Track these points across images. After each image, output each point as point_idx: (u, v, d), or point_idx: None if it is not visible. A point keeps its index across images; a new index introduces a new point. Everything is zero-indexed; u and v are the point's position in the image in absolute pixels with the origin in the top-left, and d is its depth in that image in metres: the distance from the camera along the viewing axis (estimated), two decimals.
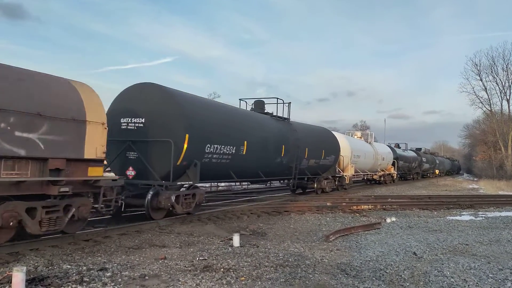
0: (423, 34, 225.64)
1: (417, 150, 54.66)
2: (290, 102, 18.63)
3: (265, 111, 18.01)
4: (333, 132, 25.12)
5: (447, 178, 60.16)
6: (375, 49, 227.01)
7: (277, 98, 18.18)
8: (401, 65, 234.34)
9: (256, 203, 16.56)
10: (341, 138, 25.50)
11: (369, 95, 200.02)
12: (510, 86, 52.75)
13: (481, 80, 53.93)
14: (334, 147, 22.82)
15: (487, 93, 54.30)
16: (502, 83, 53.12)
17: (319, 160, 20.87)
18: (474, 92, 54.96)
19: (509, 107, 53.55)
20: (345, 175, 24.93)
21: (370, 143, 33.16)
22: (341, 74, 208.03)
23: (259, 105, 18.11)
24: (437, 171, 63.94)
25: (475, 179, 59.64)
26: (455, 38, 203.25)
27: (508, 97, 53.18)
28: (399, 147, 45.54)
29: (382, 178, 34.26)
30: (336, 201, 18.07)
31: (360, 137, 33.22)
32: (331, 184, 22.84)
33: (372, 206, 16.67)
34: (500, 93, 53.76)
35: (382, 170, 34.66)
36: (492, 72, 53.34)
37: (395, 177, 37.31)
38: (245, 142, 14.29)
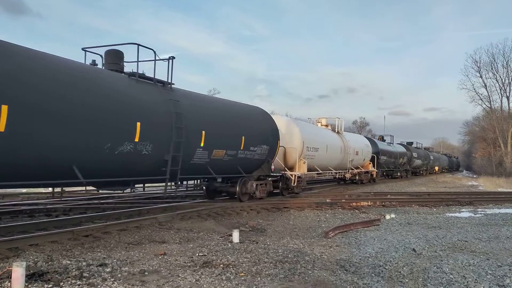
0: (424, 31, 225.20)
1: (408, 145, 49.42)
2: (173, 57, 11.57)
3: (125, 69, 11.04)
4: (274, 116, 18.07)
5: (446, 175, 60.20)
6: (376, 46, 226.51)
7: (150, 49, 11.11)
8: (402, 62, 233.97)
9: (255, 200, 16.56)
10: (283, 122, 18.64)
11: (370, 92, 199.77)
12: (510, 83, 52.91)
13: (481, 77, 54.13)
14: (266, 134, 15.51)
15: (487, 90, 54.50)
16: (502, 80, 53.27)
17: (237, 152, 13.80)
18: (474, 89, 55.14)
19: (509, 104, 53.70)
20: (292, 175, 18.17)
21: (338, 133, 25.75)
22: (342, 70, 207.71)
23: (114, 57, 10.95)
24: (437, 168, 63.35)
25: (474, 176, 59.71)
26: (456, 35, 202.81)
27: (508, 94, 53.33)
28: (384, 140, 39.52)
29: (357, 177, 28.16)
30: (335, 198, 18.09)
31: (326, 125, 25.48)
32: (264, 188, 16.27)
33: (372, 203, 16.68)
34: (500, 90, 53.92)
35: (357, 167, 28.12)
36: (492, 69, 53.54)
37: (374, 175, 31.21)
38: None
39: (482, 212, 15.40)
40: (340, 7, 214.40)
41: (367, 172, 30.11)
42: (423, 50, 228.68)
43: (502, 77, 53.15)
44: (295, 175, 18.20)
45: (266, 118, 16.28)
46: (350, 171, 26.68)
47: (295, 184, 18.23)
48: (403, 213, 14.74)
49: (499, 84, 53.75)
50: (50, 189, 19.89)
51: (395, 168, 39.99)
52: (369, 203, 16.65)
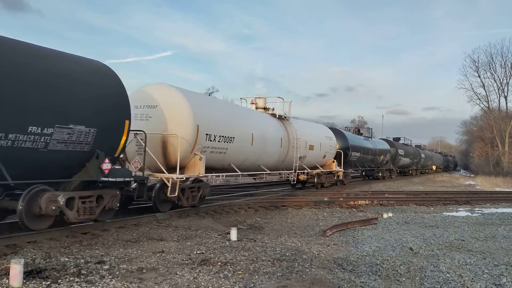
0: (423, 30, 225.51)
1: (394, 141, 44.69)
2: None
3: None
4: (155, 86, 12.34)
5: (444, 174, 60.32)
6: (375, 45, 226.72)
7: None
8: (401, 61, 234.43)
9: (253, 198, 16.59)
10: (162, 93, 11.94)
11: (369, 91, 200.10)
12: (508, 83, 52.96)
13: (479, 76, 54.12)
14: (97, 106, 8.67)
15: (485, 90, 54.52)
16: (500, 80, 53.31)
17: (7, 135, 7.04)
18: (472, 89, 55.14)
19: (506, 104, 53.82)
20: (168, 179, 11.15)
21: (280, 118, 17.95)
22: (341, 69, 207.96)
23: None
24: (434, 167, 63.18)
25: (472, 175, 59.84)
26: (454, 35, 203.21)
27: (505, 94, 53.40)
28: (360, 133, 33.20)
29: (316, 180, 21.81)
30: (333, 196, 18.12)
31: (265, 108, 17.79)
32: (92, 205, 8.66)
33: (369, 202, 16.72)
34: (498, 90, 53.96)
35: (313, 167, 21.36)
36: (490, 69, 53.55)
37: (341, 176, 24.78)
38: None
39: (479, 212, 15.45)
40: (339, 6, 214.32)
41: (330, 172, 23.34)
42: (422, 49, 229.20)
43: (500, 77, 53.24)
44: (173, 180, 11.04)
45: (105, 80, 9.12)
46: (302, 171, 19.59)
47: (176, 193, 11.19)
48: (400, 212, 14.77)
49: (497, 84, 53.83)
50: None
51: (375, 167, 34.38)
52: (366, 201, 16.69)
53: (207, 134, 12.30)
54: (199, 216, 11.89)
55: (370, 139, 33.83)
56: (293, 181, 19.24)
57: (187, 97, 12.01)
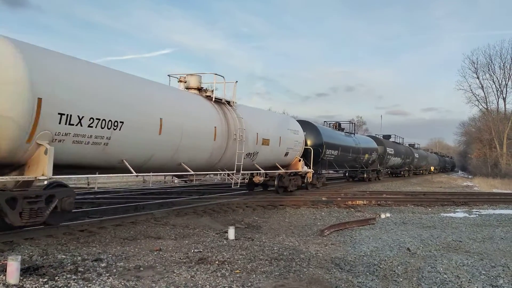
0: (422, 31, 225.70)
1: (384, 138, 40.40)
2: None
3: None
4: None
5: (442, 175, 60.41)
6: (374, 45, 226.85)
7: None
8: (400, 62, 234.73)
9: (251, 197, 16.58)
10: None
11: (368, 91, 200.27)
12: (506, 85, 53.09)
13: (478, 78, 54.22)
14: None
15: (483, 91, 54.63)
16: (499, 81, 53.42)
17: None
18: (471, 90, 55.25)
19: (505, 105, 53.93)
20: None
21: (218, 102, 13.79)
22: (341, 69, 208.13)
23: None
24: (432, 168, 62.89)
25: (469, 176, 59.94)
26: (454, 36, 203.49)
27: (504, 95, 53.52)
28: (341, 129, 28.38)
29: (277, 182, 17.74)
30: (331, 196, 18.13)
31: (199, 89, 13.60)
32: None
33: (367, 202, 16.73)
34: (497, 91, 54.08)
35: (273, 167, 17.38)
36: (489, 70, 53.63)
37: (310, 178, 20.36)
38: None
39: (477, 213, 15.47)
40: (339, 5, 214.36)
41: (296, 174, 19.20)
42: (421, 50, 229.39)
43: (499, 78, 53.34)
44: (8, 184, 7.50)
45: None
46: (256, 172, 16.02)
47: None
48: (398, 212, 14.79)
49: (495, 86, 53.94)
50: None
51: (359, 167, 30.91)
52: (364, 202, 16.69)
53: (62, 114, 7.80)
54: (197, 214, 11.89)
55: (352, 135, 29.41)
56: (236, 184, 14.18)
57: (22, 50, 7.42)
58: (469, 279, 6.54)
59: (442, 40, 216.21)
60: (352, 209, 14.93)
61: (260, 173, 16.25)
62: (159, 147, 10.53)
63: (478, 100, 55.40)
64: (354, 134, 30.21)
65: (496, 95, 54.56)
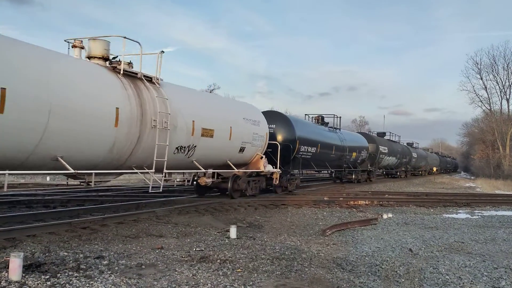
0: (426, 31, 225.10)
1: (379, 136, 37.32)
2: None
3: None
4: None
5: (444, 176, 60.28)
6: (378, 45, 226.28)
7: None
8: (404, 62, 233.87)
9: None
10: None
11: (371, 91, 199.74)
12: (510, 86, 53.03)
13: (481, 78, 54.16)
14: None
15: (487, 92, 54.56)
16: (502, 82, 53.32)
17: None
18: (474, 91, 55.22)
19: (508, 106, 53.80)
20: None
21: (129, 75, 10.43)
22: (344, 68, 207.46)
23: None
24: (434, 169, 62.42)
25: (472, 177, 59.81)
26: (457, 36, 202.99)
27: (508, 96, 53.41)
28: (324, 123, 24.49)
29: (231, 185, 14.92)
30: (333, 196, 18.12)
31: (105, 59, 10.27)
32: None
33: (369, 202, 16.71)
34: (500, 92, 53.99)
35: (229, 166, 14.52)
36: (493, 71, 53.59)
37: (277, 180, 16.98)
38: None
39: (479, 214, 15.43)
40: (342, 5, 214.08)
41: (258, 174, 16.40)
42: (424, 50, 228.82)
43: (502, 79, 53.27)
44: None
45: None
46: (203, 172, 12.99)
47: None
48: (400, 213, 14.76)
49: (499, 87, 53.86)
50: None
51: (346, 167, 27.06)
52: (366, 202, 16.67)
53: None
54: (199, 213, 11.90)
55: (337, 131, 25.48)
56: (157, 187, 11.27)
57: None
58: (471, 281, 6.53)
59: (446, 40, 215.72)
60: (354, 209, 14.92)
61: (207, 173, 13.19)
62: (9, 132, 7.32)
63: (481, 101, 55.39)
64: (340, 130, 26.18)
65: (499, 96, 54.54)
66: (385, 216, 13.48)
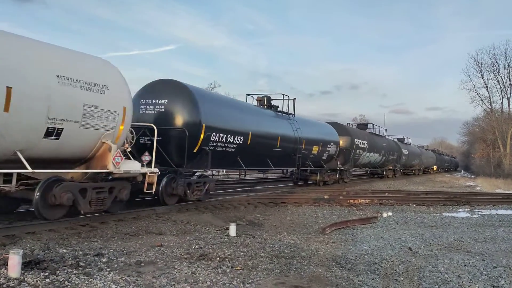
0: (427, 30, 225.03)
1: (359, 128, 32.44)
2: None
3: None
4: None
5: (444, 175, 60.22)
6: (379, 43, 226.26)
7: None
8: (405, 60, 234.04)
9: (253, 194, 16.58)
10: None
11: (372, 89, 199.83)
12: (511, 85, 52.84)
13: (482, 77, 54.01)
14: None
15: (488, 91, 54.45)
16: (503, 81, 53.23)
17: None
18: (475, 90, 55.08)
19: (509, 105, 53.71)
20: None
21: None
22: (345, 67, 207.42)
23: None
24: (435, 167, 61.97)
25: (472, 176, 59.77)
26: (458, 35, 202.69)
27: (508, 95, 53.34)
28: (270, 105, 18.82)
29: (37, 197, 7.85)
30: (333, 194, 18.11)
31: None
32: None
33: (369, 200, 16.70)
34: (501, 91, 53.89)
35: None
36: (493, 70, 53.44)
37: (154, 186, 10.11)
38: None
39: (479, 213, 15.43)
40: (343, 3, 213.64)
41: (110, 178, 9.32)
42: (425, 48, 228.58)
43: (503, 78, 53.15)
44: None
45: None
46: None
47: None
48: (400, 211, 14.76)
49: (500, 86, 53.75)
50: None
51: (308, 165, 21.24)
52: (366, 200, 16.67)
53: None
54: (199, 211, 11.89)
55: (290, 117, 19.31)
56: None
57: None
58: (471, 279, 6.53)
59: (447, 39, 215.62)
60: (354, 208, 14.92)
61: None
62: None
63: (482, 100, 55.28)
64: (293, 116, 19.59)
65: (500, 95, 54.44)
66: (385, 215, 13.48)
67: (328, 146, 22.85)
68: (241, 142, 14.66)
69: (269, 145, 16.87)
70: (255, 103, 18.57)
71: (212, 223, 10.24)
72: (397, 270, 6.87)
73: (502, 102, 54.78)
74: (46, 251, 6.58)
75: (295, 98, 19.85)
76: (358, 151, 27.80)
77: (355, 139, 27.32)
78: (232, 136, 14.11)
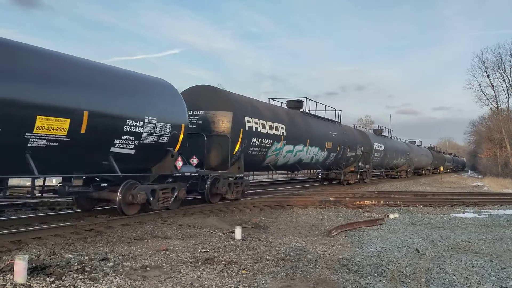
0: (431, 30, 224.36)
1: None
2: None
3: None
4: None
5: (451, 175, 59.88)
6: (384, 44, 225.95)
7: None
8: (410, 61, 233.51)
9: (259, 197, 16.55)
10: None
11: (378, 90, 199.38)
12: None
13: (488, 77, 53.60)
14: None
15: (493, 90, 54.01)
16: (509, 80, 52.76)
17: None
18: (481, 89, 54.66)
19: None
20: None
21: None
22: (350, 68, 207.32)
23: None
24: (441, 168, 61.31)
25: (479, 176, 59.37)
26: (463, 35, 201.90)
27: None
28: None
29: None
30: (338, 196, 18.04)
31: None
32: None
33: (376, 202, 16.61)
34: (507, 90, 53.42)
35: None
36: (499, 69, 52.97)
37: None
38: None
39: (487, 213, 15.30)
40: (347, 4, 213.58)
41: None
42: (431, 49, 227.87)
43: (509, 77, 52.68)
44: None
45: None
46: None
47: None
48: (407, 212, 14.67)
49: (506, 84, 53.29)
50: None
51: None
52: (373, 202, 16.58)
53: None
54: (204, 214, 11.88)
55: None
56: None
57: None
58: (479, 281, 6.46)
59: (451, 39, 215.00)
60: (360, 209, 14.84)
61: None
62: None
63: (488, 99, 54.85)
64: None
65: (506, 94, 53.93)
66: (391, 216, 13.40)
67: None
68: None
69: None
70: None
71: (217, 227, 10.22)
72: (404, 272, 6.81)
73: (508, 101, 54.42)
74: (52, 256, 6.59)
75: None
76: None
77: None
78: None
